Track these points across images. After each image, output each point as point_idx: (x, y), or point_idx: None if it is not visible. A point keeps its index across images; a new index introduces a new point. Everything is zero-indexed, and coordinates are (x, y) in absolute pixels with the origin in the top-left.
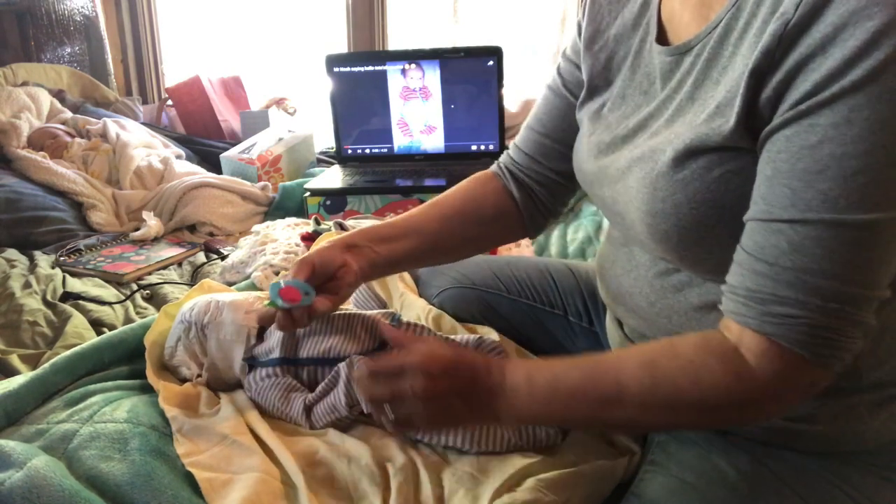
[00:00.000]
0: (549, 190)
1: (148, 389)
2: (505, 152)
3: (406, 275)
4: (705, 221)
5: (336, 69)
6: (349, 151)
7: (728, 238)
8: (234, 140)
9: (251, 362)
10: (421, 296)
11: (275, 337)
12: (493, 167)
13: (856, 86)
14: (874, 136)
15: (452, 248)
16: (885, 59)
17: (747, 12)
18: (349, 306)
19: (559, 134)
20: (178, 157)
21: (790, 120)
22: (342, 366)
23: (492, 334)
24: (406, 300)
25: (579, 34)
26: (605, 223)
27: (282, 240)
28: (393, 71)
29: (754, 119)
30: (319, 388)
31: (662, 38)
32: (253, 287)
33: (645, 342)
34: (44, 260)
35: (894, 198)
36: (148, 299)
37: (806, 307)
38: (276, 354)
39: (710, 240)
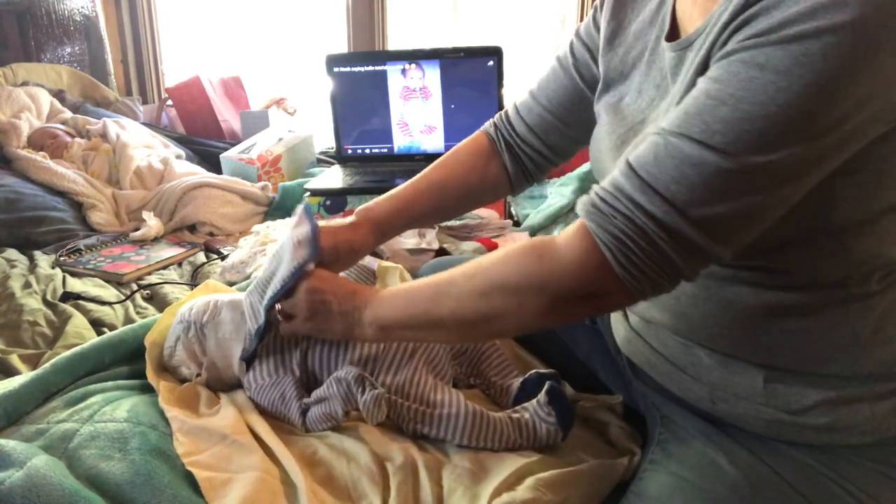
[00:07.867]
0: (537, 165)
1: (148, 389)
2: (504, 112)
3: (405, 271)
4: None
5: (336, 69)
6: (349, 151)
7: None
8: (234, 140)
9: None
10: None
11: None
12: (490, 130)
13: (783, 40)
14: (778, 92)
15: (443, 218)
16: (817, 28)
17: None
18: None
19: (561, 111)
20: (178, 157)
21: (718, 59)
22: (341, 374)
23: None
24: None
25: (596, 28)
26: None
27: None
28: (393, 71)
29: None
30: (315, 393)
31: (675, 35)
32: None
33: (653, 329)
34: (44, 260)
35: (765, 148)
36: (148, 299)
37: (631, 212)
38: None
39: None
